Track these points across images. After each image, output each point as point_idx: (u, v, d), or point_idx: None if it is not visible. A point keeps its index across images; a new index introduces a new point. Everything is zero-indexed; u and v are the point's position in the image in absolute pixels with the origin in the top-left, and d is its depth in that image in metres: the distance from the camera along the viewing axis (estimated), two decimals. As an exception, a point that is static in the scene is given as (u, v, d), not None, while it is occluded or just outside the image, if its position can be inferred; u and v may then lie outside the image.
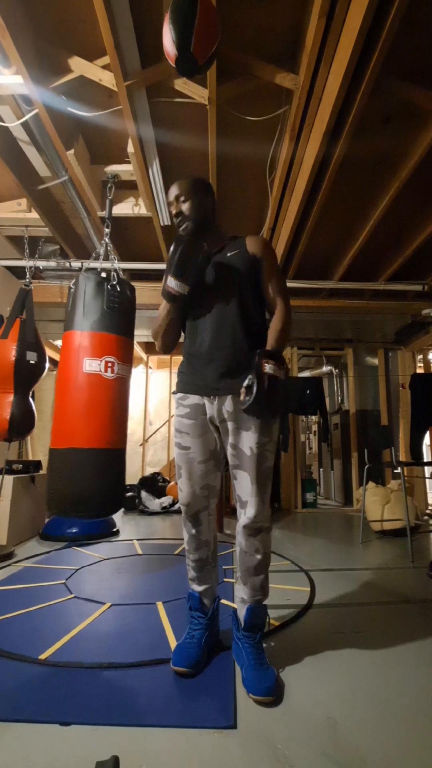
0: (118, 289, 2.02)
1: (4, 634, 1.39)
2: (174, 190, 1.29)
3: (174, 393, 1.32)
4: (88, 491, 1.75)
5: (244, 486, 1.18)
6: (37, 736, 0.91)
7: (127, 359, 1.99)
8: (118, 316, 2.01)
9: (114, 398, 1.88)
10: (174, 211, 1.29)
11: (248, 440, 1.18)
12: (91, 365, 1.83)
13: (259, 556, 1.18)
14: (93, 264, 2.93)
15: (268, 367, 1.10)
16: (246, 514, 1.17)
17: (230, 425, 1.20)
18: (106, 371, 1.85)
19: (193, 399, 1.25)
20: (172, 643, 1.32)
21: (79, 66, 1.94)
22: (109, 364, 1.86)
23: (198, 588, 1.28)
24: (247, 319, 1.24)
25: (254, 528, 1.17)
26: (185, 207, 1.27)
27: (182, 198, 1.28)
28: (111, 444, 1.84)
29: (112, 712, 0.99)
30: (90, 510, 1.76)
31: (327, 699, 1.05)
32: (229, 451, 1.21)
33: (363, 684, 1.12)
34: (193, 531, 1.25)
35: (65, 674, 1.15)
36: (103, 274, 2.01)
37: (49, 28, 1.84)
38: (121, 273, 2.20)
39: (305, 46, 1.75)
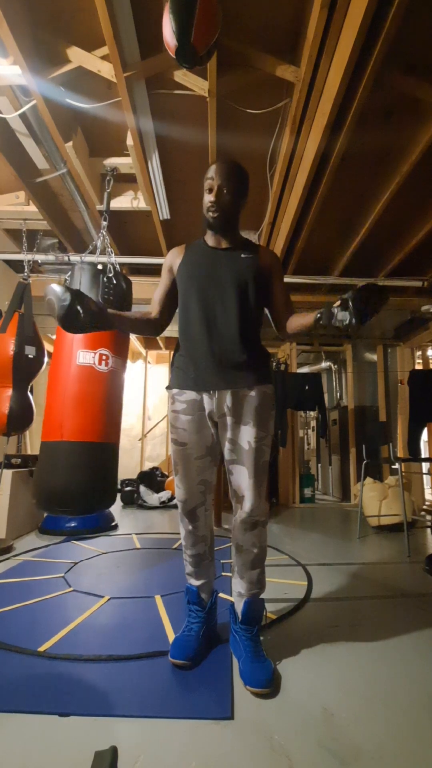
0: (114, 281, 2.00)
1: (4, 627, 1.40)
2: (219, 171, 1.22)
3: (168, 388, 1.30)
4: (76, 486, 1.71)
5: (241, 481, 1.19)
6: (36, 727, 0.91)
7: (121, 352, 1.97)
8: (113, 309, 2.00)
9: (106, 391, 1.86)
10: (207, 187, 1.23)
11: (247, 435, 1.18)
12: (85, 357, 1.82)
13: (255, 550, 1.19)
14: (91, 257, 2.92)
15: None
16: (243, 508, 1.18)
17: (229, 420, 1.19)
18: (99, 364, 1.84)
19: (190, 395, 1.23)
20: (170, 636, 1.33)
21: (77, 56, 1.92)
22: (103, 357, 1.86)
23: (195, 582, 1.28)
24: (248, 321, 1.23)
25: (251, 522, 1.17)
26: (225, 199, 1.22)
27: (222, 182, 1.21)
28: (101, 438, 1.82)
29: (111, 704, 0.99)
30: (77, 505, 1.73)
31: (323, 691, 1.06)
32: (227, 446, 1.21)
33: (359, 676, 1.14)
34: (191, 527, 1.26)
35: (64, 666, 1.16)
36: (99, 266, 2.00)
37: (47, 17, 1.82)
38: (117, 265, 2.18)
39: (307, 37, 1.73)
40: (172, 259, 1.34)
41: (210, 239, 1.31)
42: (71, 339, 1.85)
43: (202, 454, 1.23)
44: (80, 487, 1.73)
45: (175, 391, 1.27)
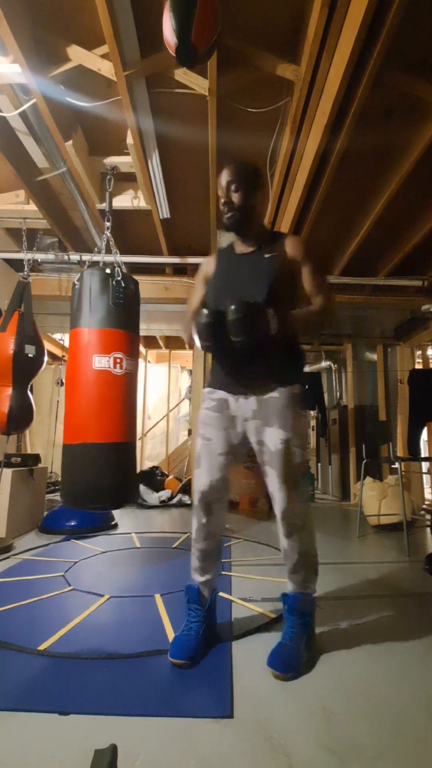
0: (123, 284, 2.01)
1: (4, 626, 1.40)
2: (227, 176, 1.24)
3: (204, 388, 1.37)
4: (104, 484, 1.80)
5: (272, 483, 1.21)
6: (36, 726, 0.92)
7: (134, 354, 2.01)
8: (124, 312, 2.02)
9: (123, 393, 1.91)
10: (223, 200, 1.25)
11: (272, 437, 1.20)
12: (101, 362, 1.86)
13: (296, 556, 1.22)
14: (95, 258, 2.91)
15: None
16: (276, 510, 1.21)
17: (255, 423, 1.23)
18: (115, 367, 1.88)
19: (221, 394, 1.29)
20: (170, 634, 1.33)
21: (77, 55, 1.91)
22: (118, 360, 1.89)
23: (200, 578, 1.28)
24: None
25: (287, 525, 1.20)
26: (235, 197, 1.24)
27: (233, 186, 1.24)
28: (123, 437, 1.88)
29: (111, 702, 1.00)
30: (106, 501, 1.81)
31: (323, 690, 1.07)
32: (256, 448, 1.25)
33: (358, 675, 1.14)
34: (204, 520, 1.26)
35: (64, 665, 1.16)
36: (108, 270, 2.01)
37: (47, 15, 1.81)
38: (123, 268, 2.19)
39: (307, 36, 1.72)
40: (207, 268, 1.40)
41: (237, 244, 1.35)
42: (86, 344, 1.88)
43: (224, 451, 1.26)
44: (109, 484, 1.82)
45: (207, 390, 1.33)
